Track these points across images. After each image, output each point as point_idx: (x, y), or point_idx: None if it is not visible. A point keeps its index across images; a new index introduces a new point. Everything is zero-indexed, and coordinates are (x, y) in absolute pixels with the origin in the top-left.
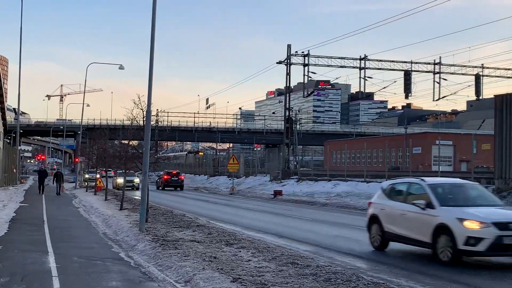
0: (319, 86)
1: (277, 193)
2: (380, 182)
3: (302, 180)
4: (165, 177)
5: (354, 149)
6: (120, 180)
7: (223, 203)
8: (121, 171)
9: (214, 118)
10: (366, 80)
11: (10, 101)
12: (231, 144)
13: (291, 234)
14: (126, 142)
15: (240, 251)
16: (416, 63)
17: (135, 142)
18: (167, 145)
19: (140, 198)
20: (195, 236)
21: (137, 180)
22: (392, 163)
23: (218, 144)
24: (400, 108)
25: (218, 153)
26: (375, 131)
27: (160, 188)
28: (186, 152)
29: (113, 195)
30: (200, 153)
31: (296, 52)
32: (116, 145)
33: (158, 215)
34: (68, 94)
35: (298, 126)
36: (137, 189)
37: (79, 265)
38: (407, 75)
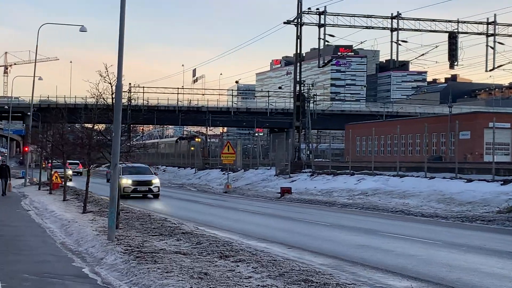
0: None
1: (285, 191)
2: (417, 177)
3: (317, 174)
4: None
5: (383, 134)
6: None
7: (215, 204)
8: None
9: (203, 94)
10: (400, 44)
11: None
12: (225, 128)
13: (303, 243)
14: (90, 126)
15: (238, 266)
16: (464, 22)
17: (101, 126)
18: (142, 129)
19: (108, 198)
20: (180, 247)
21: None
22: (433, 151)
23: (208, 128)
24: (443, 81)
25: (209, 140)
26: (411, 110)
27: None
28: (176, 138)
29: (74, 194)
30: (197, 139)
31: (309, 8)
32: (77, 130)
33: (132, 220)
34: (15, 64)
35: (311, 105)
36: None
37: (31, 285)
38: (453, 38)
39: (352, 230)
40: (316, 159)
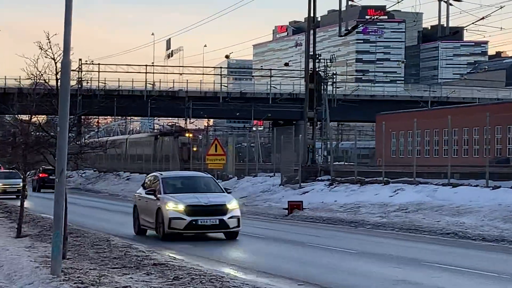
0: (367, 17)
1: (294, 206)
2: (475, 186)
3: (338, 183)
4: (42, 175)
5: (429, 128)
6: None
7: None
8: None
9: (181, 74)
10: (451, 4)
11: None
12: (211, 120)
13: (319, 278)
14: (25, 117)
15: None
16: None
17: (42, 118)
18: (98, 122)
19: (52, 216)
20: (150, 284)
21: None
22: (497, 151)
23: (188, 120)
24: (511, 55)
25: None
26: (467, 95)
27: (36, 190)
28: (155, 134)
29: (3, 211)
30: (188, 135)
31: None
32: (7, 124)
33: (85, 247)
34: None
35: (330, 88)
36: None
37: None
38: None
39: (386, 260)
40: (337, 163)
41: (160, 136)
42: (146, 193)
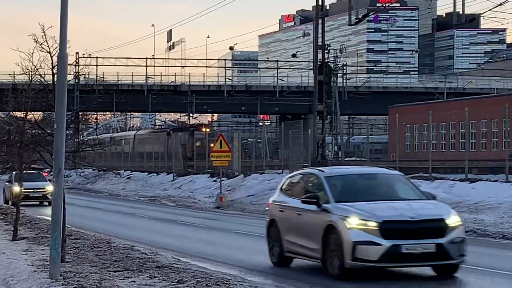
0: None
1: None
2: (494, 181)
3: None
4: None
5: (445, 121)
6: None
7: (203, 225)
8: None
9: (183, 67)
10: None
11: None
12: (215, 115)
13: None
14: (21, 114)
15: None
16: None
17: (38, 115)
18: (97, 118)
19: (50, 218)
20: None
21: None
22: None
23: (191, 115)
24: None
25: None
26: (484, 86)
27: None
28: (168, 129)
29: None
30: (204, 129)
31: None
32: (2, 121)
33: (85, 249)
34: None
35: (340, 80)
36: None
37: None
38: None
39: None
40: (348, 158)
41: (173, 132)
42: (302, 202)
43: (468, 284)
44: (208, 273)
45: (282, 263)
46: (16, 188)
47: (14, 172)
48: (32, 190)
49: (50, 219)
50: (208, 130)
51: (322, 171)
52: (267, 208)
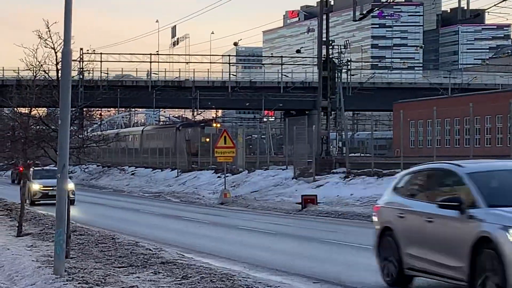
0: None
1: (308, 200)
2: None
3: (354, 175)
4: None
5: (449, 117)
6: (36, 187)
7: (207, 221)
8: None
9: (187, 63)
10: None
11: None
12: (219, 111)
13: (337, 275)
14: (25, 110)
15: None
16: None
17: (42, 111)
18: (101, 114)
19: (54, 214)
20: (158, 283)
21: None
22: None
23: (196, 111)
24: None
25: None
26: (489, 81)
27: (16, 182)
28: (177, 125)
29: (3, 209)
30: (216, 125)
31: None
32: (6, 117)
33: (89, 245)
34: None
35: (344, 76)
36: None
37: None
38: None
39: None
40: (352, 154)
41: (182, 127)
42: (438, 206)
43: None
44: (212, 269)
45: (399, 283)
46: (35, 186)
47: (31, 169)
48: (51, 188)
49: (54, 215)
50: (218, 125)
51: (460, 166)
52: (374, 213)
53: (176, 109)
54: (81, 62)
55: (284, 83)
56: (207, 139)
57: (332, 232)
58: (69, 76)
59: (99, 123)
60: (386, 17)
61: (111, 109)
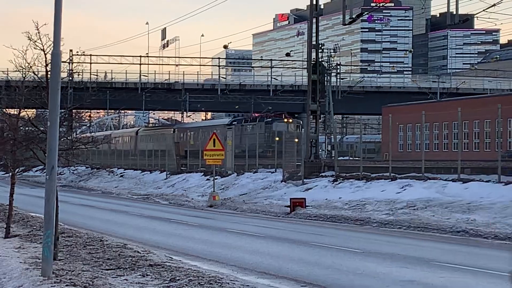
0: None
1: (296, 203)
2: (487, 181)
3: (343, 179)
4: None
5: (438, 121)
6: None
7: (196, 224)
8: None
9: (177, 65)
10: None
11: None
12: (209, 113)
13: (324, 279)
14: (14, 112)
15: None
16: None
17: (31, 112)
18: (90, 116)
19: (43, 215)
20: (146, 286)
21: None
22: (509, 145)
23: (185, 114)
24: None
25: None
26: (477, 86)
27: None
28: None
29: None
30: (286, 120)
31: None
32: None
33: (78, 247)
34: None
35: (334, 79)
36: None
37: None
38: None
39: (393, 260)
40: (341, 158)
41: (237, 123)
42: None
43: (465, 284)
44: (200, 272)
45: None
46: None
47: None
48: None
49: (42, 216)
50: (290, 121)
51: None
52: None
53: (166, 111)
54: (70, 64)
55: (273, 86)
56: (277, 138)
57: (320, 235)
58: (58, 78)
59: (88, 124)
60: (376, 21)
61: (101, 110)
